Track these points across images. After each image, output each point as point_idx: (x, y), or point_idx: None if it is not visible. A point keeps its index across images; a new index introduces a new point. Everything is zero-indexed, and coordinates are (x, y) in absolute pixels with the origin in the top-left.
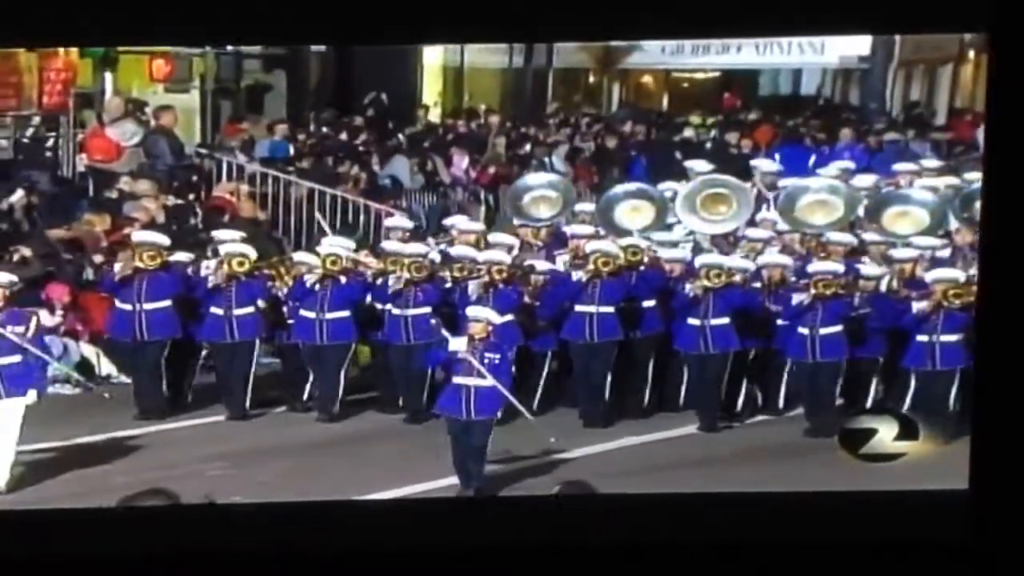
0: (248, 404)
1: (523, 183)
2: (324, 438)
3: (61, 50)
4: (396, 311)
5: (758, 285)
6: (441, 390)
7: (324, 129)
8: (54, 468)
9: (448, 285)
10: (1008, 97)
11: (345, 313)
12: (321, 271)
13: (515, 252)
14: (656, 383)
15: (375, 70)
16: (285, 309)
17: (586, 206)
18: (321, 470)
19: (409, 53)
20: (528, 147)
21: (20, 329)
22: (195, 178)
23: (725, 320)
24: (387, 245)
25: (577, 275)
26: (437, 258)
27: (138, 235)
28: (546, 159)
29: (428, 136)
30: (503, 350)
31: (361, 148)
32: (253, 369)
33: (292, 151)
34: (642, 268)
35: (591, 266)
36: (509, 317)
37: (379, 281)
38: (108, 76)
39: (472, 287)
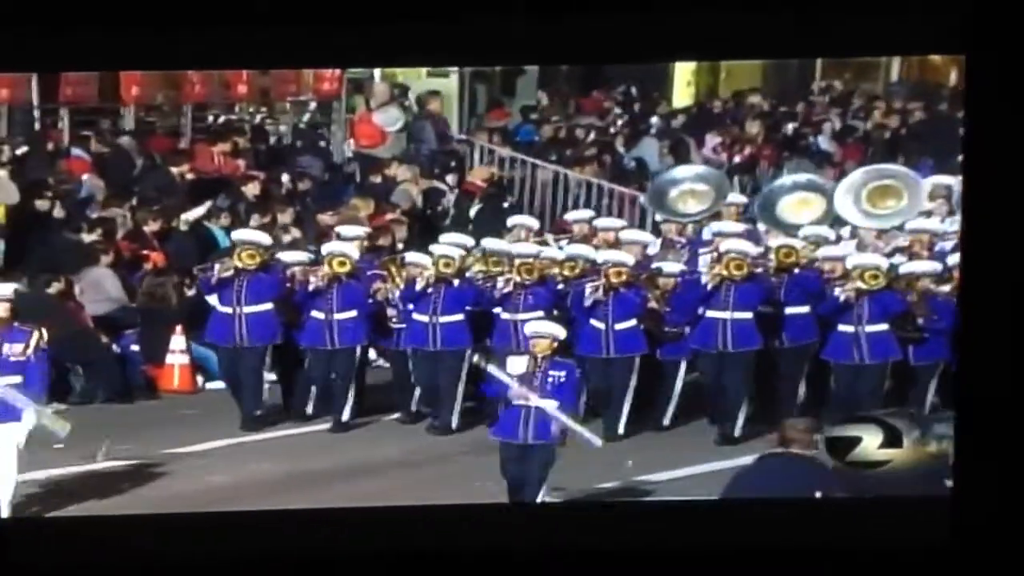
0: (351, 414)
1: (669, 176)
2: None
3: None
4: (506, 315)
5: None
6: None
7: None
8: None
9: (560, 287)
10: (984, 117)
11: (459, 317)
12: (433, 273)
13: (650, 252)
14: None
15: None
16: (392, 313)
17: (737, 198)
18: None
19: None
20: (791, 127)
21: (19, 348)
22: (453, 163)
23: (883, 327)
24: (489, 244)
25: (704, 278)
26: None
27: (238, 233)
28: (811, 139)
29: (680, 116)
30: (569, 368)
31: (612, 130)
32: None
33: (541, 135)
34: (796, 271)
35: (722, 269)
36: (632, 323)
37: (489, 284)
38: None
39: (588, 290)
